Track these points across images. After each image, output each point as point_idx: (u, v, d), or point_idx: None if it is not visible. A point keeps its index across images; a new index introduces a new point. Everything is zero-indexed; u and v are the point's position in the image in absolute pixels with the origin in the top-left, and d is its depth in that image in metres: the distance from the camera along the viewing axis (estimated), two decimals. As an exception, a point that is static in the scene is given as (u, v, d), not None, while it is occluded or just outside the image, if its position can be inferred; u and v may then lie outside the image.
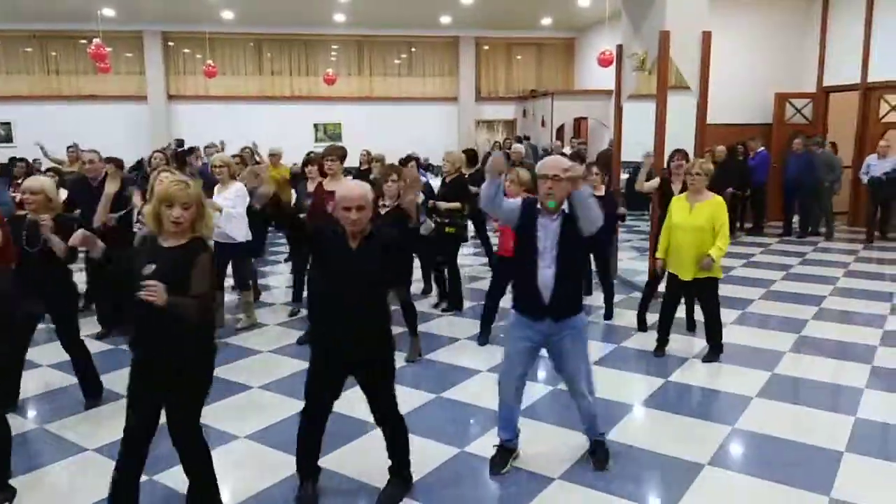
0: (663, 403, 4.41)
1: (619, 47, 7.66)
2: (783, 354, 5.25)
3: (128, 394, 2.86)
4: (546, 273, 3.21)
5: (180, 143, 13.85)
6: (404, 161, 6.95)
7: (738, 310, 6.41)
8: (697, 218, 4.88)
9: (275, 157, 9.26)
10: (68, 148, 10.04)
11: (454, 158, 6.52)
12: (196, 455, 2.92)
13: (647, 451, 3.71)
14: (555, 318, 3.26)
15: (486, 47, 17.36)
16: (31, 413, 4.35)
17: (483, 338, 5.51)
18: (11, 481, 3.31)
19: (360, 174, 8.57)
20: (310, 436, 3.17)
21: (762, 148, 10.93)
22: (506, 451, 3.56)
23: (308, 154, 7.74)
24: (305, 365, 3.22)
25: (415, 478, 3.36)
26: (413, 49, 17.11)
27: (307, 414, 3.14)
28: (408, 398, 4.14)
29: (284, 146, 9.80)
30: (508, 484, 3.41)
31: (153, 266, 2.71)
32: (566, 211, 3.21)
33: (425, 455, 3.61)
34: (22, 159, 9.25)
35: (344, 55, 16.79)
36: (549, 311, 3.25)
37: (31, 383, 4.70)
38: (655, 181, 6.21)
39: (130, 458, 2.85)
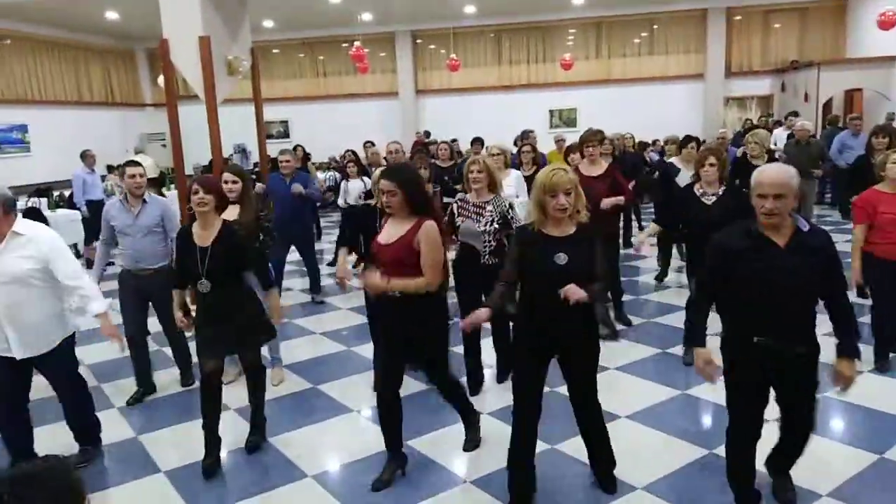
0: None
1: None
2: None
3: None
4: None
5: (427, 133, 14.78)
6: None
7: None
8: None
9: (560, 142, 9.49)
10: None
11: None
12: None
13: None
14: None
15: (739, 17, 15.90)
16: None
17: None
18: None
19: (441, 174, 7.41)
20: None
21: None
22: None
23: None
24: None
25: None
26: (655, 26, 16.28)
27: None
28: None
29: (516, 133, 9.97)
30: None
31: (564, 256, 2.84)
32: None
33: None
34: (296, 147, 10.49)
35: (581, 39, 16.54)
36: None
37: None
38: None
39: None
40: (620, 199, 5.09)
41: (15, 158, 13.55)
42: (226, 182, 4.25)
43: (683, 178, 6.41)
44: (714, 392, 4.18)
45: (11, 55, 13.89)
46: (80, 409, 3.78)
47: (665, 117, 14.65)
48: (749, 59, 16.14)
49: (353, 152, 9.19)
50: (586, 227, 2.94)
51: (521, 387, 3.04)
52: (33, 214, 9.37)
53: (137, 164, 4.57)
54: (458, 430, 3.76)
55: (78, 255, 9.30)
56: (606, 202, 4.95)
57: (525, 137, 9.29)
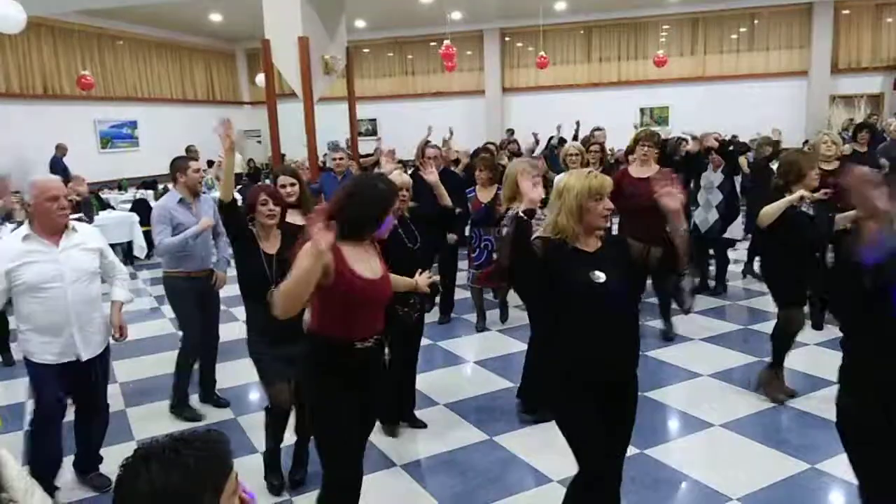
0: None
1: None
2: None
3: None
4: None
5: (511, 132, 14.74)
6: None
7: None
8: None
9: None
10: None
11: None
12: None
13: None
14: None
15: (847, 11, 14.99)
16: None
17: None
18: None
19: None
20: None
21: None
22: None
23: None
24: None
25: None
26: (755, 21, 15.57)
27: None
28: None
29: (609, 131, 9.71)
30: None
31: (601, 275, 2.44)
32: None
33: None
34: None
35: (675, 35, 16.03)
36: None
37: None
38: None
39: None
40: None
41: (125, 153, 14.48)
42: (283, 186, 3.80)
43: (704, 179, 6.40)
44: (810, 402, 4.01)
45: (124, 55, 14.83)
46: (105, 424, 3.62)
47: (764, 116, 13.97)
48: (858, 56, 15.17)
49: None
50: (614, 238, 2.66)
51: (595, 440, 2.44)
52: (141, 206, 10.00)
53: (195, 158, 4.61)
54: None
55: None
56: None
57: (591, 136, 8.72)
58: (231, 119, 3.62)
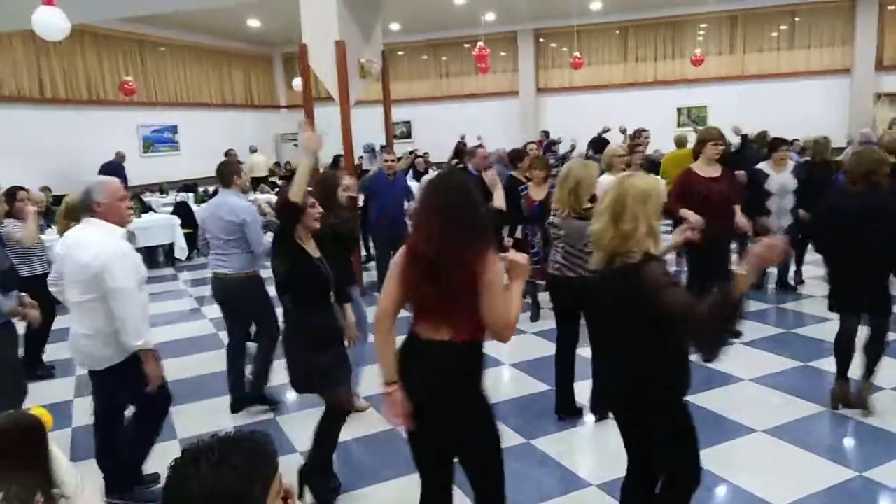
0: None
1: None
2: None
3: None
4: None
5: (546, 133, 14.66)
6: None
7: None
8: None
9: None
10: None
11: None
12: None
13: None
14: None
15: (893, 7, 14.56)
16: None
17: None
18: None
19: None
20: None
21: None
22: None
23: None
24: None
25: None
26: (796, 18, 15.24)
27: None
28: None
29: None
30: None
31: None
32: None
33: None
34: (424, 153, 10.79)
35: (713, 33, 15.78)
36: None
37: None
38: None
39: None
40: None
41: (166, 157, 14.81)
42: (346, 189, 4.23)
43: (773, 184, 6.03)
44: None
45: (166, 62, 15.17)
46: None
47: (805, 115, 13.66)
48: (905, 52, 14.75)
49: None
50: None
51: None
52: (182, 208, 10.21)
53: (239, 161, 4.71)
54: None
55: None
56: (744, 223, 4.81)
57: (636, 136, 8.50)
58: (304, 121, 3.71)
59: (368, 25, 7.85)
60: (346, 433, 3.74)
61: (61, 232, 4.47)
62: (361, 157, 9.59)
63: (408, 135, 17.64)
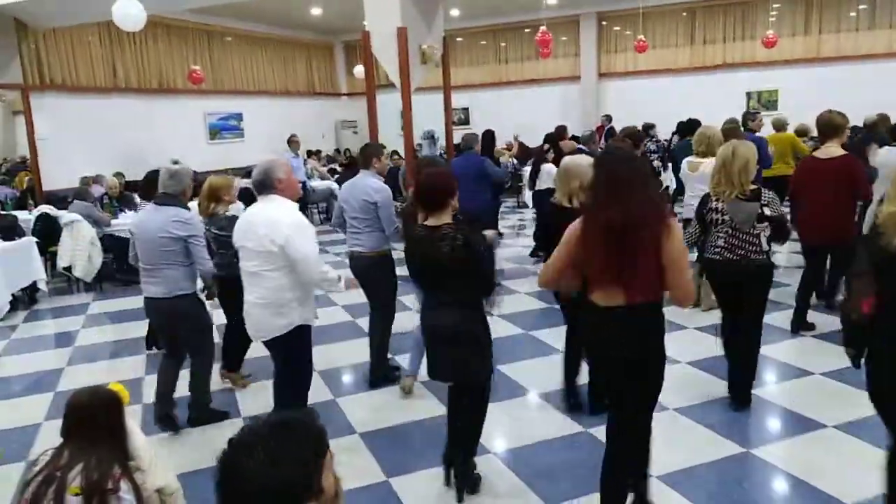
0: None
1: None
2: None
3: None
4: None
5: (609, 118, 14.38)
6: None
7: None
8: None
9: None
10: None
11: None
12: None
13: None
14: None
15: None
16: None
17: None
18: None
19: None
20: None
21: None
22: None
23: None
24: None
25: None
26: (877, -4, 14.42)
27: None
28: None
29: (708, 117, 9.15)
30: None
31: None
32: None
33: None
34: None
35: (787, 13, 15.07)
36: None
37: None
38: None
39: None
40: None
41: (232, 143, 15.21)
42: None
43: None
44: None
45: (231, 51, 15.55)
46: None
47: (887, 100, 12.93)
48: None
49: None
50: None
51: None
52: (247, 194, 10.47)
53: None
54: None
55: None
56: None
57: (752, 119, 7.60)
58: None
59: (429, 11, 7.84)
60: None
61: (204, 213, 4.67)
62: (419, 145, 9.61)
63: (465, 121, 17.59)
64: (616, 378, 2.64)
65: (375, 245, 4.48)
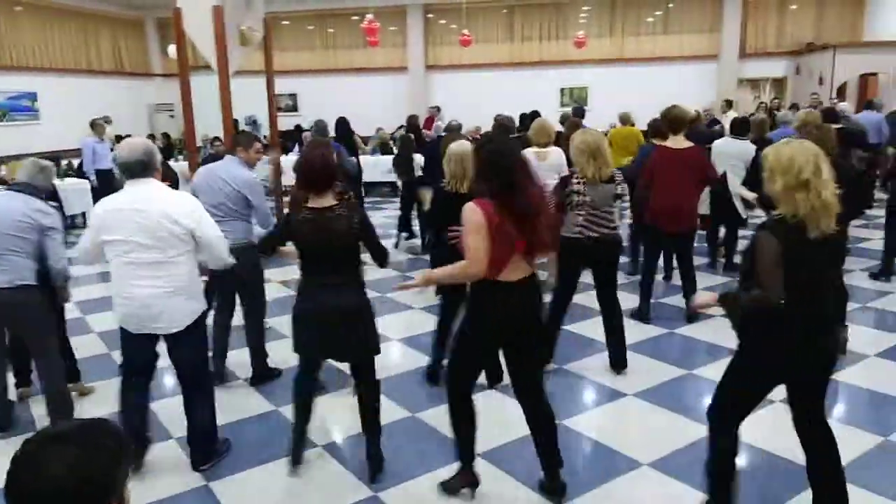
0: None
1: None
2: None
3: None
4: None
5: (438, 109, 14.68)
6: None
7: None
8: None
9: None
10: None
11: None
12: None
13: None
14: None
15: (754, -2, 15.69)
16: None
17: None
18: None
19: None
20: None
21: None
22: None
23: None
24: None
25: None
26: (670, 5, 16.07)
27: None
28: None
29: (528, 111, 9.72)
30: None
31: None
32: None
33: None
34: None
35: (595, 16, 16.34)
36: None
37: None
38: None
39: None
40: None
41: (24, 126, 13.54)
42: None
43: None
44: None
45: (22, 22, 13.82)
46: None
47: (677, 97, 14.41)
48: (764, 41, 15.95)
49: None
50: None
51: None
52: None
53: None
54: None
55: (85, 224, 9.31)
56: None
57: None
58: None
59: (248, -9, 7.48)
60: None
61: None
62: (242, 129, 9.19)
63: (294, 108, 17.12)
64: (526, 340, 2.91)
65: (241, 235, 4.15)
